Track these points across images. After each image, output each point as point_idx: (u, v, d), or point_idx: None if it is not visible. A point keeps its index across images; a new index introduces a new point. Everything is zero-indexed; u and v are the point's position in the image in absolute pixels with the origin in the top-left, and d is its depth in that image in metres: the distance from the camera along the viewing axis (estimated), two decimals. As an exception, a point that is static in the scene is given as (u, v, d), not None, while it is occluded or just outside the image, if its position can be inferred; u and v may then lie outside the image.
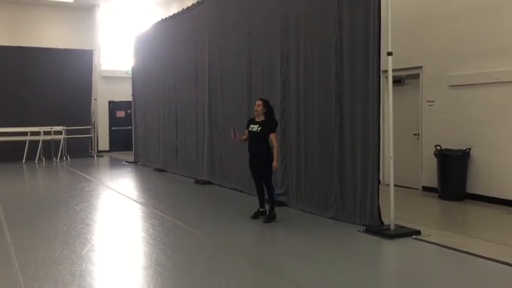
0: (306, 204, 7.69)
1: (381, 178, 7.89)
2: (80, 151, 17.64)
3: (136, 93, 16.07)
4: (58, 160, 16.62)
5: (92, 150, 18.42)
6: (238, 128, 7.63)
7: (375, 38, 6.34)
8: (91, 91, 18.48)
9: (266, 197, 7.13)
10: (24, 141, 16.13)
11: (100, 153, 18.86)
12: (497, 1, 7.94)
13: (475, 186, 8.27)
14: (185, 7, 12.42)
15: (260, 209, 7.14)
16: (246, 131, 7.18)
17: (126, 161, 16.20)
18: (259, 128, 6.92)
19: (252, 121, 7.11)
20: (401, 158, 8.91)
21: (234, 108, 9.78)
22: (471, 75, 8.27)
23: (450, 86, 8.66)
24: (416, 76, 9.39)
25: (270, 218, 6.98)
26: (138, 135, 15.93)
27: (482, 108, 8.14)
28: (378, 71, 6.36)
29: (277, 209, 7.43)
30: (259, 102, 7.05)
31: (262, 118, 7.00)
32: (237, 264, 5.32)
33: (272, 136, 6.87)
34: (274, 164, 6.80)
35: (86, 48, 18.59)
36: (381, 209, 6.38)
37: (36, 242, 6.11)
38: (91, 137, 18.32)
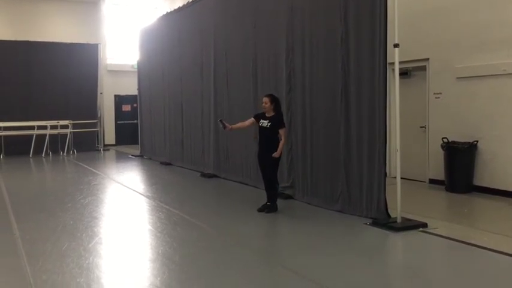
0: (312, 197, 7.69)
1: (387, 171, 7.86)
2: (87, 145, 17.71)
3: (142, 87, 16.07)
4: (65, 154, 16.68)
5: (98, 144, 18.46)
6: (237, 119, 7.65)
7: (381, 29, 6.29)
8: (97, 85, 18.49)
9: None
10: (31, 136, 16.19)
11: (106, 147, 18.90)
12: (505, -8, 7.87)
13: (482, 178, 8.23)
14: (190, 0, 12.39)
15: (267, 203, 7.18)
16: (252, 118, 7.29)
17: (132, 155, 16.24)
18: (269, 124, 7.00)
19: (263, 116, 7.14)
20: (408, 151, 8.87)
21: (240, 101, 9.77)
22: (478, 67, 8.21)
23: (457, 78, 8.60)
24: (423, 68, 9.33)
25: (272, 209, 7.12)
26: (144, 129, 15.96)
27: (490, 100, 8.08)
28: (384, 63, 6.32)
29: (283, 202, 7.61)
30: (266, 99, 7.09)
31: (272, 113, 7.07)
32: (244, 257, 5.33)
33: (281, 131, 6.96)
34: (276, 154, 6.88)
35: (92, 42, 18.59)
36: (387, 201, 6.36)
37: (43, 235, 6.15)
38: (97, 131, 18.36)
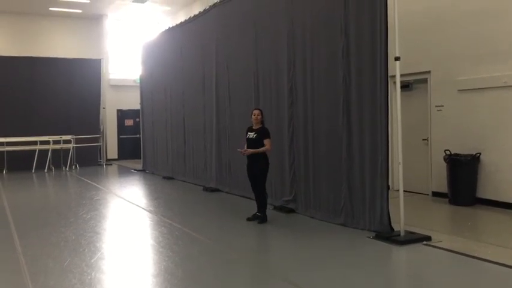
0: (315, 210, 7.67)
1: (389, 184, 7.83)
2: (89, 160, 17.76)
3: (144, 101, 16.14)
4: (67, 169, 16.71)
5: (100, 159, 18.50)
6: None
7: (382, 43, 6.33)
8: (99, 100, 18.57)
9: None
10: (34, 151, 16.24)
11: (109, 161, 18.93)
12: (505, 5, 7.90)
13: (485, 191, 8.20)
14: (192, 15, 12.49)
15: (257, 213, 7.48)
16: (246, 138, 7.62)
17: (134, 169, 16.25)
18: (255, 135, 7.39)
19: (250, 129, 7.57)
20: (410, 163, 8.85)
21: (242, 115, 9.77)
22: (479, 79, 8.23)
23: (459, 90, 8.62)
24: (425, 81, 9.36)
25: (263, 219, 7.37)
26: (147, 144, 15.99)
27: (491, 112, 8.08)
28: (385, 76, 6.34)
29: (286, 216, 7.77)
30: (257, 112, 7.52)
31: (259, 126, 7.46)
32: (246, 271, 5.31)
33: (266, 141, 7.30)
34: (246, 150, 7.31)
35: (94, 57, 18.72)
36: (390, 214, 6.34)
37: (45, 250, 6.13)
38: (100, 145, 18.41)
